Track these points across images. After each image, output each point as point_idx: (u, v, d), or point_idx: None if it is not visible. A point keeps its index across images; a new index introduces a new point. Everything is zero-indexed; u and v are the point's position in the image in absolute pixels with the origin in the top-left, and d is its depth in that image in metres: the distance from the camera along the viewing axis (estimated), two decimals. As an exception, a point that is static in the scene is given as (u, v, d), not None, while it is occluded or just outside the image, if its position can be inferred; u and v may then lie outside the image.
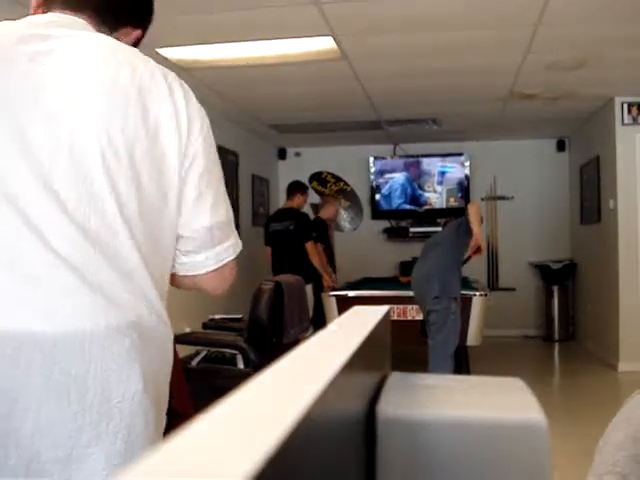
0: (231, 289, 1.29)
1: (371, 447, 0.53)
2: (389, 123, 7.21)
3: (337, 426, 0.40)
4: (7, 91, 1.00)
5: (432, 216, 8.25)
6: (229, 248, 1.18)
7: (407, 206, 8.49)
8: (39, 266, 0.95)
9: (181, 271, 1.17)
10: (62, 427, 0.94)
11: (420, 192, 8.47)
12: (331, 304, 5.41)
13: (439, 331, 4.37)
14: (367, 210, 8.71)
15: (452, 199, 8.40)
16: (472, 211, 4.52)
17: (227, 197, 1.19)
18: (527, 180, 8.36)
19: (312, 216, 7.01)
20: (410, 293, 4.75)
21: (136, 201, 1.03)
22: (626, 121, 6.16)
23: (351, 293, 5.53)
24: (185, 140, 1.09)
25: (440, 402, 0.56)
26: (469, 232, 4.47)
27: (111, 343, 0.97)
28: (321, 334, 0.52)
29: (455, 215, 6.18)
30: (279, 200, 8.15)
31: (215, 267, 1.17)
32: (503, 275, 8.49)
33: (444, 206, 8.38)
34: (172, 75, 1.12)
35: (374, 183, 8.54)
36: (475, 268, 6.88)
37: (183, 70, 4.74)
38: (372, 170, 8.53)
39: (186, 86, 1.13)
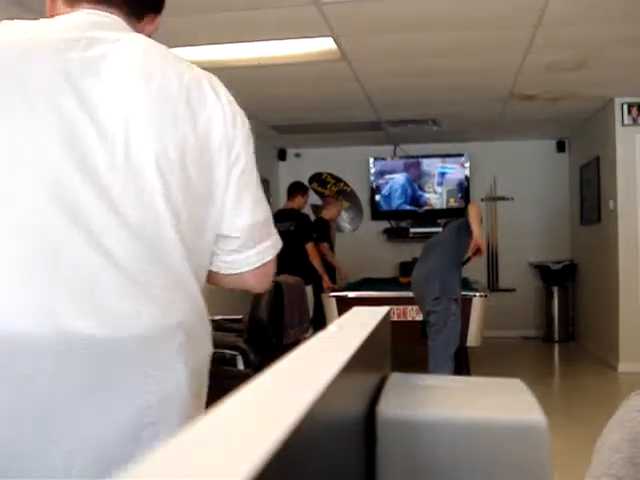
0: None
1: (371, 448, 0.53)
2: (389, 124, 7.21)
3: (337, 427, 0.40)
4: (59, 102, 0.98)
5: (432, 217, 8.25)
6: (269, 247, 1.22)
7: (407, 207, 8.48)
8: (94, 271, 0.96)
9: (225, 270, 1.19)
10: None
11: (420, 193, 8.46)
12: (331, 305, 5.41)
13: (439, 333, 4.36)
14: (367, 211, 8.71)
15: (452, 200, 8.39)
16: (472, 212, 4.52)
17: (264, 196, 1.21)
18: (527, 181, 8.36)
19: (312, 217, 7.01)
20: (410, 294, 4.74)
21: (187, 210, 1.04)
22: (626, 122, 6.16)
23: (351, 294, 5.52)
24: (231, 143, 1.10)
25: (440, 403, 0.56)
26: (469, 233, 4.47)
27: (163, 344, 0.98)
28: (321, 335, 0.52)
29: (455, 216, 6.18)
30: (279, 201, 8.14)
31: (258, 265, 1.20)
32: (503, 276, 8.49)
33: (444, 207, 8.37)
34: (215, 79, 1.14)
35: (374, 184, 8.54)
36: (475, 269, 6.88)
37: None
38: (372, 171, 8.52)
39: (225, 89, 1.15)
